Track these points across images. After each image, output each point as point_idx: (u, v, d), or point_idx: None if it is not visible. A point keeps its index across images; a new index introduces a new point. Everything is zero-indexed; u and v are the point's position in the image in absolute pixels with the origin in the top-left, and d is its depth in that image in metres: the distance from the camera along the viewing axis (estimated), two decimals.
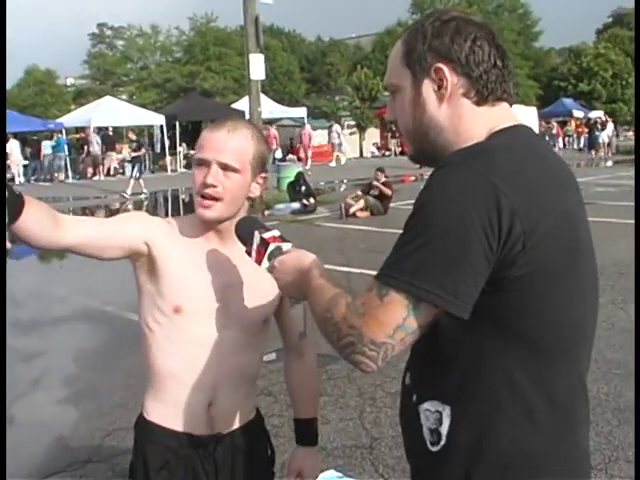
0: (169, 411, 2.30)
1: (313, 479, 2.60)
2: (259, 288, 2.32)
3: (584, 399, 1.74)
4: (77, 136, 32.63)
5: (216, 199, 2.19)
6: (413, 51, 1.69)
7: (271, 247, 1.97)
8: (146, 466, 2.29)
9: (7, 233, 1.86)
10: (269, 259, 1.96)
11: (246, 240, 2.05)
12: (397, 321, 1.51)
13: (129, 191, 22.86)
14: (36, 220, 1.97)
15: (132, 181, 23.16)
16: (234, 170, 2.20)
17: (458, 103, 1.67)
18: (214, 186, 2.18)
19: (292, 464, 2.53)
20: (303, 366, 2.57)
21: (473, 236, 1.46)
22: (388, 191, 16.18)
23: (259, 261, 2.00)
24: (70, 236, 2.06)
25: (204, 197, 2.20)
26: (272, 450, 2.56)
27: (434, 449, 1.65)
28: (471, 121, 1.67)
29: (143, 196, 23.18)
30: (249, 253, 2.04)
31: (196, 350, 2.26)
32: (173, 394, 2.29)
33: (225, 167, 2.19)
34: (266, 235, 2.00)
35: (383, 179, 16.45)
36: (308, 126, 35.35)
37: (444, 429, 1.62)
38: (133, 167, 23.82)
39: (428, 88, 1.68)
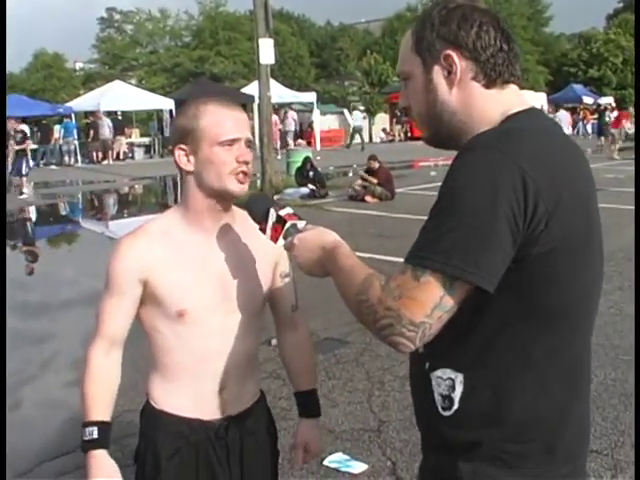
0: (181, 400, 2.32)
1: (319, 451, 2.64)
2: (256, 269, 2.35)
3: (588, 366, 1.83)
4: (87, 121, 32.50)
5: (246, 174, 2.23)
6: (422, 39, 1.75)
7: (288, 224, 1.98)
8: (156, 454, 2.30)
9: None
10: (285, 237, 1.98)
11: (260, 217, 2.06)
12: (434, 300, 1.55)
13: (26, 190, 19.79)
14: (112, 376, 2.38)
15: (24, 179, 20.09)
16: (251, 146, 2.25)
17: (468, 87, 1.73)
18: (248, 163, 2.22)
19: (298, 438, 2.56)
20: (297, 339, 2.58)
21: (502, 216, 1.52)
22: (373, 180, 16.22)
23: (275, 238, 2.01)
24: (122, 341, 2.33)
25: (237, 173, 2.20)
26: (275, 428, 2.58)
27: (446, 414, 1.72)
28: (482, 103, 1.73)
29: (24, 196, 19.35)
30: (263, 230, 2.05)
31: (205, 344, 2.27)
32: (185, 385, 2.31)
33: (248, 144, 2.23)
34: (282, 212, 2.01)
35: (377, 165, 16.43)
36: (275, 116, 35.75)
37: (456, 395, 1.70)
38: (15, 163, 20.53)
39: (438, 74, 1.74)
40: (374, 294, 1.61)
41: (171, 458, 2.30)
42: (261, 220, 2.06)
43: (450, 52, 1.71)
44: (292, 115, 35.64)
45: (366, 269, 1.72)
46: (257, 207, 2.09)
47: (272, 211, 2.03)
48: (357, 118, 37.32)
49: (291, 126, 35.14)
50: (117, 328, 2.28)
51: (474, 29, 1.70)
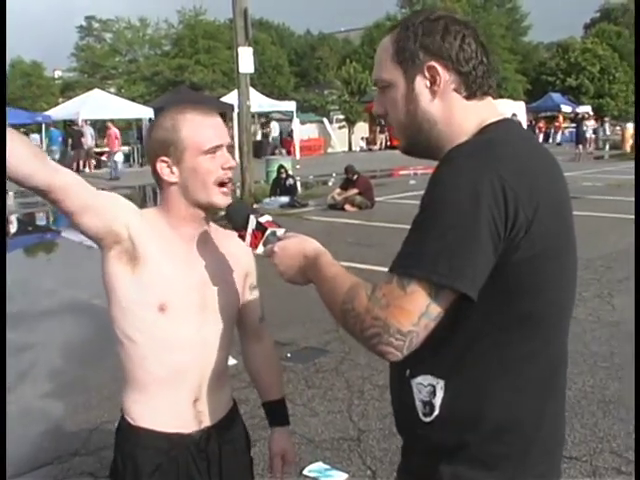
0: (156, 414, 2.28)
1: (295, 459, 2.66)
2: (230, 280, 2.35)
3: (565, 364, 1.86)
4: (76, 128, 32.15)
5: (230, 180, 2.22)
6: (404, 49, 1.76)
7: (268, 232, 1.99)
8: (137, 471, 2.26)
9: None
10: (264, 244, 1.99)
11: (239, 224, 2.06)
12: (421, 309, 1.57)
13: None
14: (21, 142, 1.92)
15: None
16: (232, 151, 2.23)
17: (449, 98, 1.76)
18: (232, 168, 2.21)
19: (275, 448, 2.55)
20: (264, 349, 2.58)
21: (484, 225, 1.55)
22: (355, 190, 16.26)
23: (255, 245, 2.02)
24: (59, 177, 2.00)
25: (222, 184, 2.19)
26: (248, 434, 2.58)
27: (427, 419, 1.74)
28: (462, 115, 1.76)
29: None
30: (243, 237, 2.06)
31: (180, 353, 2.24)
32: (159, 397, 2.28)
33: (229, 149, 2.23)
34: (262, 219, 2.03)
35: (355, 177, 16.47)
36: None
37: (437, 401, 1.72)
38: None
39: (421, 84, 1.76)
40: (360, 303, 1.63)
41: (151, 475, 2.26)
42: (240, 227, 2.06)
43: (434, 63, 1.73)
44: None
45: (350, 278, 1.72)
46: (237, 214, 2.09)
47: (252, 218, 2.03)
48: (275, 129, 37.85)
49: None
50: (74, 177, 2.08)
51: (457, 41, 1.73)
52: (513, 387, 1.70)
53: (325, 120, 42.60)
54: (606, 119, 43.63)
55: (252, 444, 2.60)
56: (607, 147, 39.29)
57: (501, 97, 40.31)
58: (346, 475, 4.32)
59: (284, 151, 32.64)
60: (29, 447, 4.85)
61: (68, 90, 53.52)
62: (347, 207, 16.04)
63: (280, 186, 18.02)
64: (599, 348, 6.37)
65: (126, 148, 34.49)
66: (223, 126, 2.26)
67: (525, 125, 33.22)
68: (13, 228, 17.46)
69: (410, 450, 1.88)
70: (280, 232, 2.00)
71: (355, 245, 11.25)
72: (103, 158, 32.31)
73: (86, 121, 31.46)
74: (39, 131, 31.11)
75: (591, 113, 43.85)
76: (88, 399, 5.66)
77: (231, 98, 29.92)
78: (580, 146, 32.07)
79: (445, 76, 1.74)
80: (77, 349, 7.01)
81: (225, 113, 32.40)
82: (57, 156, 30.23)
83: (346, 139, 44.09)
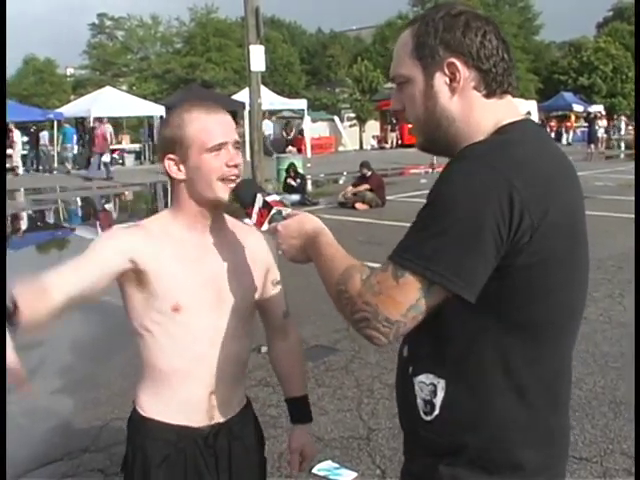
0: (169, 406, 2.30)
1: (314, 454, 2.67)
2: (246, 275, 2.36)
3: (568, 379, 1.85)
4: (94, 126, 32.10)
5: (237, 177, 2.22)
6: (424, 45, 1.74)
7: (274, 211, 2.02)
8: (145, 461, 2.28)
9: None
10: (269, 222, 2.02)
11: (247, 202, 2.09)
12: (411, 301, 1.59)
13: None
14: (32, 311, 1.98)
15: None
16: (239, 147, 2.25)
17: (469, 95, 1.73)
18: (237, 165, 2.21)
19: (293, 444, 2.56)
20: (289, 345, 2.59)
21: (487, 227, 1.54)
22: (366, 186, 16.30)
23: (260, 223, 2.06)
24: (56, 298, 2.06)
25: (224, 180, 2.19)
26: (262, 435, 2.58)
27: (427, 418, 1.75)
28: (481, 113, 1.74)
29: None
30: (249, 215, 2.09)
31: (197, 346, 2.26)
32: (175, 390, 2.29)
33: (236, 145, 2.23)
34: (269, 199, 2.06)
35: (369, 173, 16.48)
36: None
37: (438, 401, 1.72)
38: None
39: (440, 81, 1.73)
40: (354, 287, 1.65)
41: (160, 465, 2.28)
42: (248, 205, 2.09)
43: (454, 60, 1.71)
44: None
45: (347, 259, 1.74)
46: (245, 192, 2.13)
47: (259, 196, 2.07)
48: (268, 127, 37.18)
49: None
50: (60, 278, 2.12)
51: (478, 37, 1.71)
52: (512, 393, 1.69)
53: (336, 118, 42.59)
54: (622, 118, 43.40)
55: None
56: (622, 146, 39.22)
57: (513, 97, 40.08)
58: (355, 474, 4.32)
59: (295, 149, 32.60)
60: (39, 443, 4.86)
61: (80, 87, 53.74)
62: (358, 205, 16.05)
63: (288, 185, 18.03)
64: (610, 348, 6.34)
65: (137, 145, 34.58)
66: (230, 123, 2.26)
67: None
68: (24, 225, 17.54)
69: (412, 450, 1.88)
70: (286, 211, 2.02)
71: (366, 243, 11.24)
72: (115, 155, 32.30)
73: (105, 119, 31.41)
74: (51, 127, 31.14)
75: (603, 112, 43.72)
76: (98, 395, 5.68)
77: (242, 96, 29.95)
78: (592, 145, 31.98)
79: (465, 73, 1.71)
80: (87, 346, 7.03)
81: (236, 111, 32.46)
82: (70, 154, 30.30)
83: (357, 137, 44.05)
